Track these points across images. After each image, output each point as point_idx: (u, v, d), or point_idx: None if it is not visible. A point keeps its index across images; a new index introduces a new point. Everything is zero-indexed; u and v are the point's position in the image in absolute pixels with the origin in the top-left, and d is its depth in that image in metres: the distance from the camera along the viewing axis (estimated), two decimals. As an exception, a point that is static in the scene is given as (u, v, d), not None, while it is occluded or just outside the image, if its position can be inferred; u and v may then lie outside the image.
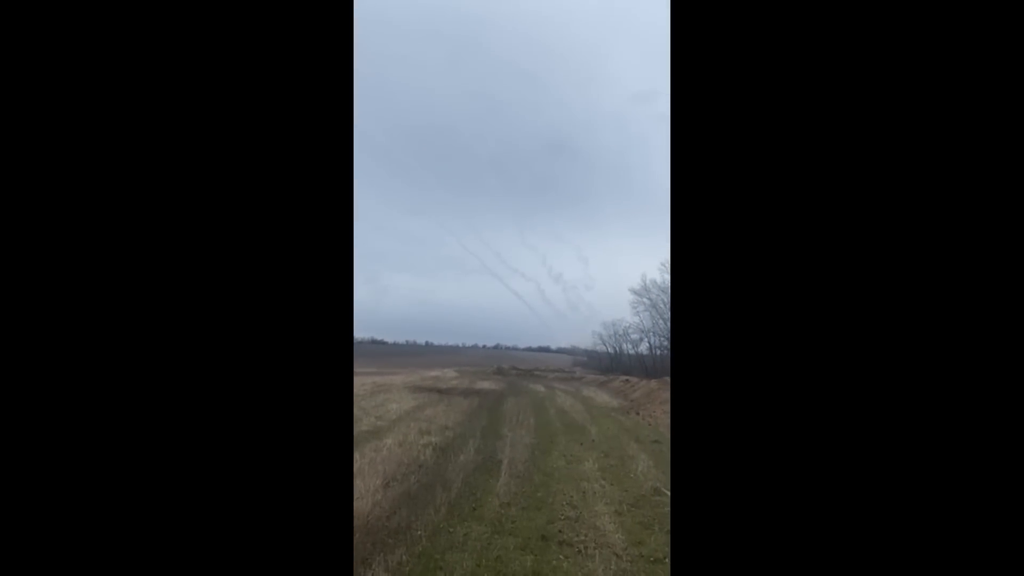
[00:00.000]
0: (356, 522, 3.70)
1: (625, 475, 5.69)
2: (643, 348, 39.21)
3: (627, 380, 24.38)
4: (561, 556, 3.39)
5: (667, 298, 32.67)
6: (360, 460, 5.66)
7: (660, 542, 3.63)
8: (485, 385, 21.29)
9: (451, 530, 3.77)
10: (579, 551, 3.48)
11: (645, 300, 35.67)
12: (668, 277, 32.49)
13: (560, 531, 3.83)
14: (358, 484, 4.66)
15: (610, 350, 45.82)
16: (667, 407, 11.49)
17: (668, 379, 17.53)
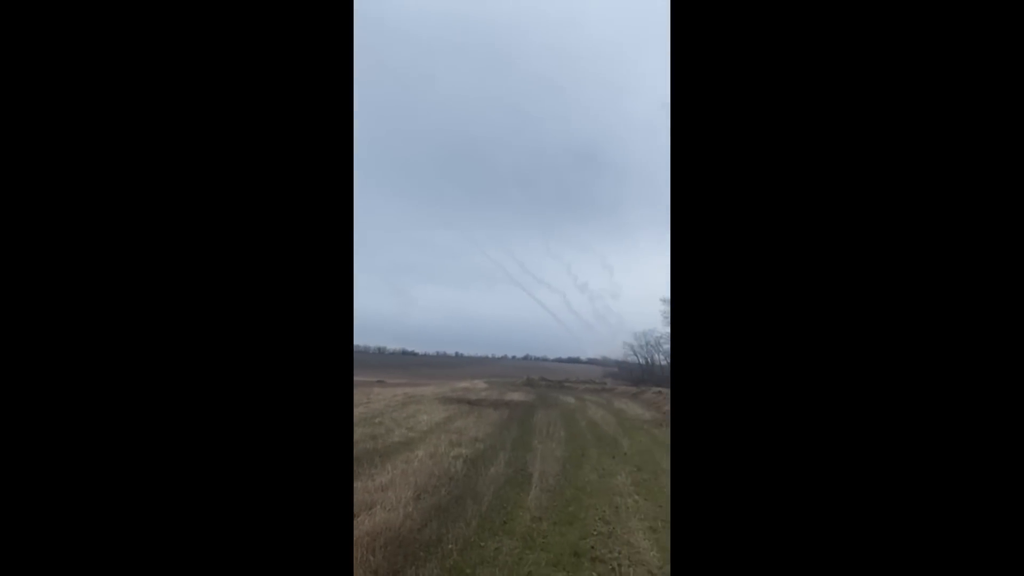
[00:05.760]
0: (388, 534, 3.72)
1: (659, 489, 5.53)
2: (676, 359, 38.09)
3: (659, 392, 23.79)
4: (594, 573, 3.31)
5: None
6: (392, 472, 5.71)
7: (698, 561, 3.50)
8: (515, 396, 21.17)
9: (482, 544, 3.74)
10: (613, 568, 3.39)
11: (677, 309, 34.67)
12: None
13: (593, 547, 3.75)
14: (390, 496, 4.69)
15: (641, 361, 44.84)
16: (702, 420, 11.10)
17: (703, 390, 16.94)
